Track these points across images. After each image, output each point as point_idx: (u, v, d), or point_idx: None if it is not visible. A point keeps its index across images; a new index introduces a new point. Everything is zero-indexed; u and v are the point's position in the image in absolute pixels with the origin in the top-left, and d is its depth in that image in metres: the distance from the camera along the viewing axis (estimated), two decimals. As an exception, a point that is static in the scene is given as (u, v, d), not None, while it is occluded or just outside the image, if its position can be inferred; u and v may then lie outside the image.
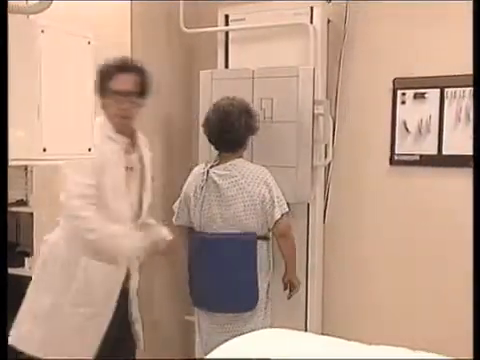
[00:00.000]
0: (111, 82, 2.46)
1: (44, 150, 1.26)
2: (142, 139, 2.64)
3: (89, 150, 1.42)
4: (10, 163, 1.14)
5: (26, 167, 3.34)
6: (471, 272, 1.51)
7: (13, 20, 1.17)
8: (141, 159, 2.62)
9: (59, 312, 2.41)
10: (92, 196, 2.36)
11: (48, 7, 1.36)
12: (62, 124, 1.30)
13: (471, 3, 1.76)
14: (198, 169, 2.95)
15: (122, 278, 2.56)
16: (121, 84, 2.48)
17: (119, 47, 3.17)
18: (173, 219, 3.02)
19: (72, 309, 2.42)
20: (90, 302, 2.45)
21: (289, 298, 3.00)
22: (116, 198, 2.45)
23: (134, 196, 2.59)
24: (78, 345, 2.44)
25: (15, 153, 1.16)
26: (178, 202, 3.00)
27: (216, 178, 2.81)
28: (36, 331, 2.42)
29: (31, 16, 1.27)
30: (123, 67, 2.51)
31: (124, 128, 2.53)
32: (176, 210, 3.00)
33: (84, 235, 2.39)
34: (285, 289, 2.98)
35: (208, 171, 2.85)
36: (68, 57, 1.31)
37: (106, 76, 2.45)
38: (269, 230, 2.86)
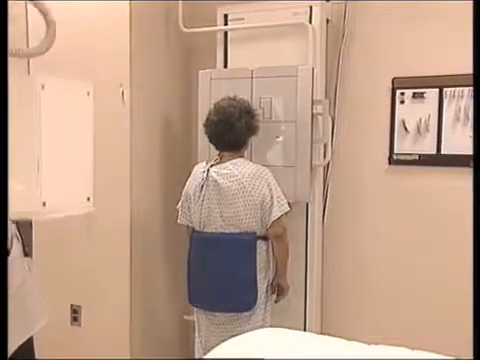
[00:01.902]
0: None
1: (44, 204, 1.27)
2: None
3: (88, 199, 1.43)
4: (10, 217, 1.16)
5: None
6: (471, 272, 1.51)
7: (14, 77, 1.18)
8: None
9: None
10: None
11: (47, 50, 1.37)
12: (62, 176, 1.32)
13: (471, 3, 1.76)
14: (198, 168, 2.95)
15: None
16: None
17: (118, 47, 3.17)
18: (178, 219, 3.02)
19: None
20: None
21: (276, 302, 2.99)
22: None
23: None
24: None
25: (15, 207, 1.17)
26: (181, 201, 3.00)
27: (217, 177, 2.81)
28: None
29: (32, 72, 1.28)
30: None
31: None
32: (180, 209, 3.01)
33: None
34: (273, 293, 2.97)
35: (209, 170, 2.85)
36: (68, 109, 1.33)
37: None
38: (267, 230, 2.86)
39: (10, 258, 2.06)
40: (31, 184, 1.23)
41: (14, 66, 1.30)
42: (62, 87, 1.33)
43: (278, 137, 3.06)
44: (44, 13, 1.34)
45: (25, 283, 2.36)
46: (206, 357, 1.92)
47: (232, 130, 2.80)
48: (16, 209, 1.20)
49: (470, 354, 1.47)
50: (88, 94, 1.40)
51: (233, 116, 2.79)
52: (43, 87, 1.25)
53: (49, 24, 1.36)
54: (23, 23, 3.04)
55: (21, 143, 1.21)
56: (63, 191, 1.33)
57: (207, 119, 2.89)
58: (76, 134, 1.36)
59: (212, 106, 2.91)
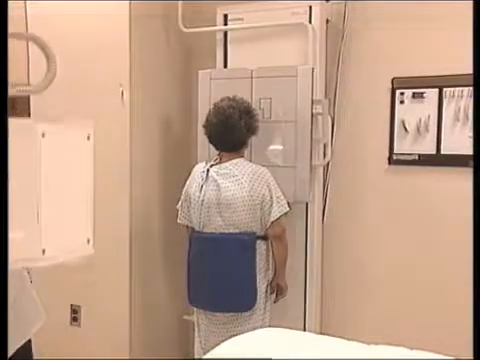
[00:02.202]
0: None
1: (43, 252, 1.28)
2: None
3: (87, 242, 1.44)
4: (9, 267, 1.18)
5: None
6: (471, 271, 1.50)
7: (14, 126, 1.20)
8: None
9: None
10: None
11: (47, 87, 1.37)
12: (61, 222, 1.33)
13: (471, 3, 1.75)
14: (198, 168, 2.95)
15: None
16: None
17: (118, 47, 3.17)
18: (178, 219, 3.02)
19: None
20: None
21: (275, 302, 2.99)
22: None
23: None
24: None
25: (14, 255, 1.19)
26: (181, 201, 3.00)
27: (216, 177, 2.81)
28: None
29: (33, 120, 1.30)
30: None
31: None
32: (179, 209, 3.01)
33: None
34: (272, 293, 2.98)
35: (208, 170, 2.85)
36: (68, 155, 1.34)
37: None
38: (267, 230, 2.86)
39: None
40: (30, 233, 1.24)
41: (14, 114, 1.33)
42: (62, 134, 1.33)
43: (277, 144, 3.06)
44: (44, 49, 1.35)
45: (22, 286, 2.39)
46: (206, 357, 1.92)
47: (232, 131, 2.80)
48: (15, 258, 1.21)
49: (470, 354, 1.47)
50: (88, 138, 1.40)
51: (232, 117, 2.79)
52: (44, 135, 1.25)
53: (49, 60, 1.36)
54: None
55: (21, 193, 1.22)
56: (63, 236, 1.34)
57: (206, 120, 2.89)
58: (76, 178, 1.37)
59: (211, 107, 2.91)
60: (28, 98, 3.24)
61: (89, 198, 1.43)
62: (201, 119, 2.99)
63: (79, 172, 1.39)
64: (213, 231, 2.83)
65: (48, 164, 1.25)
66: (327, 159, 3.21)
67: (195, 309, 3.01)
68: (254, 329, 2.27)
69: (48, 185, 1.26)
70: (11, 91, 1.25)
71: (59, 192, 1.30)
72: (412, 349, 1.82)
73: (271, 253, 2.93)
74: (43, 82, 1.36)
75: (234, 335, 2.06)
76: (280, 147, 3.04)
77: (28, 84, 3.26)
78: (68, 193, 1.34)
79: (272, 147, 3.06)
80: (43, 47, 1.35)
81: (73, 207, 1.37)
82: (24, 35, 1.42)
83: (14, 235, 1.20)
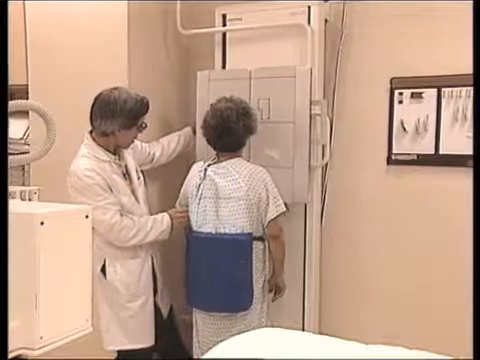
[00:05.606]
0: (141, 119, 2.83)
1: (41, 338, 1.29)
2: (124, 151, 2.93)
3: (86, 321, 1.45)
4: (9, 355, 1.19)
5: (23, 167, 3.34)
6: (470, 271, 1.51)
7: (13, 216, 1.20)
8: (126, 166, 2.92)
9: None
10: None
11: (45, 154, 1.37)
12: (59, 307, 1.33)
13: (470, 3, 1.76)
14: (196, 167, 2.95)
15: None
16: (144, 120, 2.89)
17: (116, 48, 3.17)
18: None
19: (132, 303, 2.85)
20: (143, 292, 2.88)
21: (273, 301, 3.00)
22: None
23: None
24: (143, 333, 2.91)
25: (11, 344, 1.20)
26: (178, 201, 3.01)
27: (214, 176, 2.81)
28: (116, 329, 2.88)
29: (33, 210, 1.29)
30: (147, 107, 2.86)
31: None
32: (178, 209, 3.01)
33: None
34: (270, 291, 2.98)
35: (206, 169, 2.85)
36: (66, 239, 1.34)
37: (140, 113, 2.80)
38: (264, 230, 2.86)
39: None
40: (28, 320, 1.25)
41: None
42: (61, 219, 1.33)
43: (275, 145, 3.05)
44: (44, 117, 1.35)
45: None
46: (205, 357, 1.92)
47: (230, 133, 2.80)
48: (12, 346, 1.22)
49: (470, 354, 1.47)
50: (87, 217, 1.40)
51: (230, 119, 2.78)
52: (42, 223, 1.26)
53: (49, 128, 1.36)
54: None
55: (20, 281, 1.23)
56: (61, 320, 1.34)
57: (204, 121, 2.88)
58: (75, 260, 1.37)
59: (209, 108, 2.91)
60: (27, 98, 3.24)
61: (88, 279, 1.43)
62: (200, 120, 2.99)
63: (78, 253, 1.39)
64: (210, 230, 2.83)
65: (47, 251, 1.26)
66: (325, 160, 3.20)
67: (193, 309, 3.01)
68: (251, 329, 2.27)
69: (47, 272, 1.26)
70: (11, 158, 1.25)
71: (58, 277, 1.31)
72: (411, 349, 1.82)
73: (268, 253, 2.93)
74: (41, 150, 1.36)
75: (230, 335, 2.06)
76: (278, 148, 3.04)
77: (27, 85, 3.27)
78: (67, 276, 1.35)
79: (270, 148, 3.06)
80: (43, 115, 1.34)
81: (72, 289, 1.37)
82: (24, 104, 1.41)
83: (12, 323, 1.21)
